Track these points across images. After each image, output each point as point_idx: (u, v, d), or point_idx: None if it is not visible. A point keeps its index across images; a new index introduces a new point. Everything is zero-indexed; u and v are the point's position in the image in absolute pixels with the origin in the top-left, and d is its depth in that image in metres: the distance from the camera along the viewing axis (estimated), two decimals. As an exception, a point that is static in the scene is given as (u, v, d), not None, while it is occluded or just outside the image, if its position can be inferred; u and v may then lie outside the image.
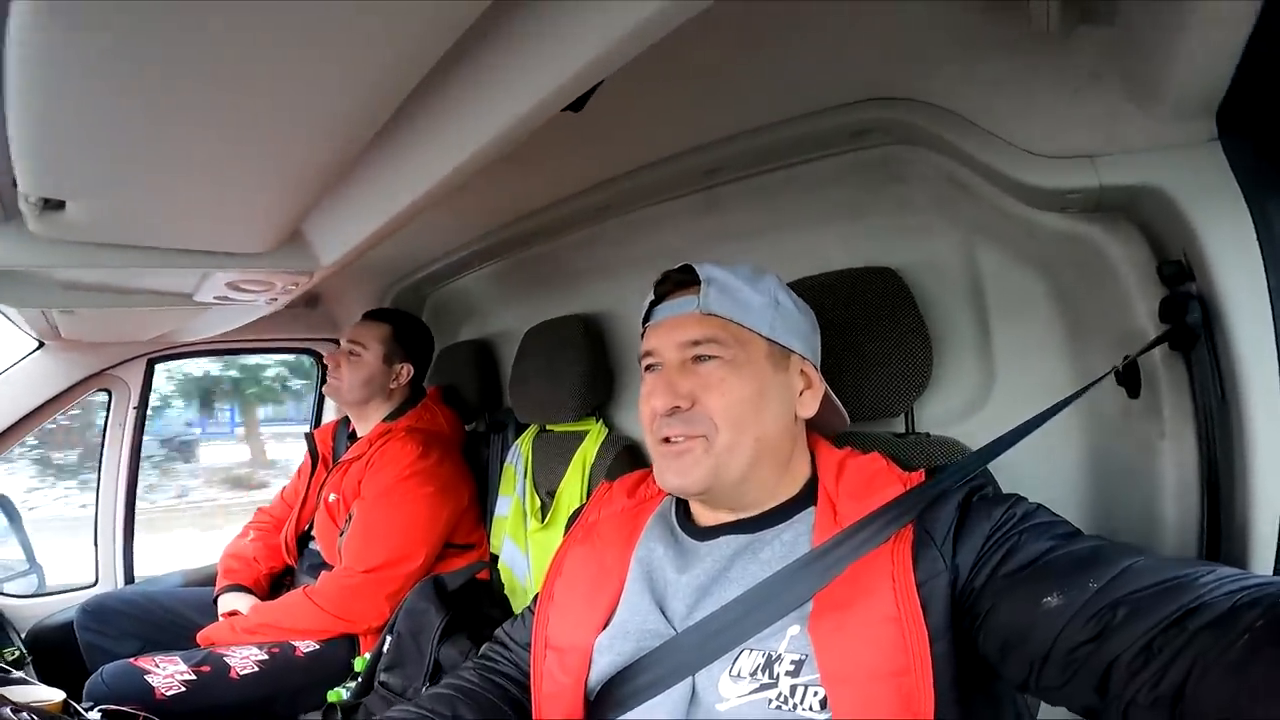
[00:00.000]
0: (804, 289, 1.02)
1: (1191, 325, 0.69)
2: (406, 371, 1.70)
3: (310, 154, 0.62)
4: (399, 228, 0.80)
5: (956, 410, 1.04)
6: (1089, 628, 0.52)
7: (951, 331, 1.03)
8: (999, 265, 1.00)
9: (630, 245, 1.44)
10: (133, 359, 1.86)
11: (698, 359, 0.76)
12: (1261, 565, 0.67)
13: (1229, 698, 0.43)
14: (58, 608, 1.80)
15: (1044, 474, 0.89)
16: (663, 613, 0.75)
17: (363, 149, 0.64)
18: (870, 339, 0.96)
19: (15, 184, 0.61)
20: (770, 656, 0.66)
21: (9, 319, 1.44)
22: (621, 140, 1.06)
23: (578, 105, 0.64)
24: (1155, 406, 0.81)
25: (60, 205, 0.63)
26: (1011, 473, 0.81)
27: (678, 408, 0.74)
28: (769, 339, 0.77)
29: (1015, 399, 0.98)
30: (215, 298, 1.00)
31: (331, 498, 1.62)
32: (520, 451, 1.66)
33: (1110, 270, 0.81)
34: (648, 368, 0.80)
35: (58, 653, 1.61)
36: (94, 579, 1.94)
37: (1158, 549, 0.80)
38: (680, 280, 0.80)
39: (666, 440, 0.75)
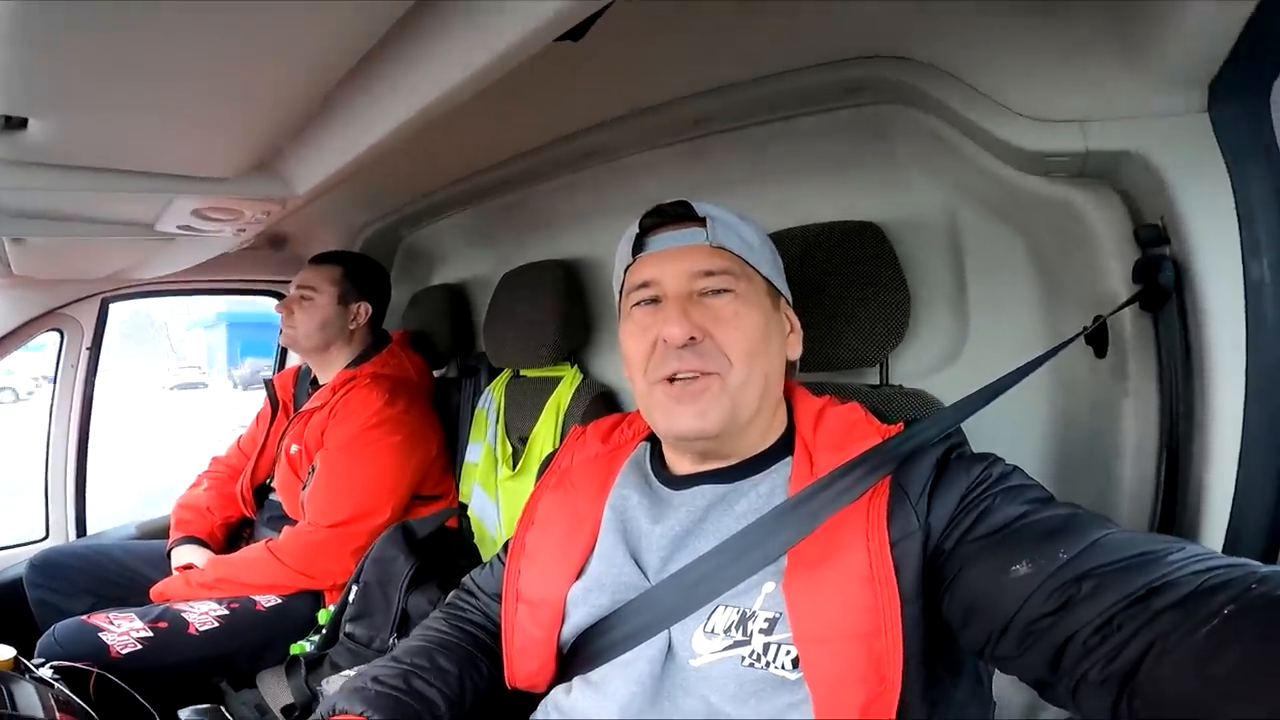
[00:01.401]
0: (787, 240, 1.04)
1: (1164, 285, 0.71)
2: (364, 310, 1.63)
3: (290, 75, 0.59)
4: (379, 156, 0.77)
5: (930, 363, 1.06)
6: (1053, 600, 0.51)
7: (929, 287, 1.05)
8: (979, 224, 1.01)
9: (612, 193, 1.42)
10: (86, 298, 1.78)
11: (706, 293, 0.73)
12: (1216, 526, 0.69)
13: (1192, 689, 0.42)
14: (6, 563, 1.74)
15: (1008, 428, 0.91)
16: (637, 565, 0.74)
17: (347, 72, 0.61)
18: (850, 290, 0.98)
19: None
20: (745, 613, 0.66)
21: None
22: (611, 85, 1.03)
23: (577, 34, 0.61)
24: (1121, 366, 0.83)
25: (22, 124, 0.59)
26: (977, 426, 0.82)
27: (693, 339, 0.70)
28: (766, 278, 0.76)
29: (988, 354, 1.00)
30: (179, 227, 0.96)
31: (293, 449, 1.57)
32: (493, 396, 1.65)
33: (1088, 234, 0.83)
34: (641, 301, 0.76)
35: (6, 610, 1.56)
36: (44, 533, 1.88)
37: (1115, 505, 0.83)
38: (675, 214, 0.76)
39: (672, 380, 0.72)
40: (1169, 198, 0.69)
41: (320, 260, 1.64)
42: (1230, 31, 0.58)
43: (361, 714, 0.71)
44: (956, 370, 1.03)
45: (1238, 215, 0.66)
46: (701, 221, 0.75)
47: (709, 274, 0.73)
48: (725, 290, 0.73)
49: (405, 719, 0.72)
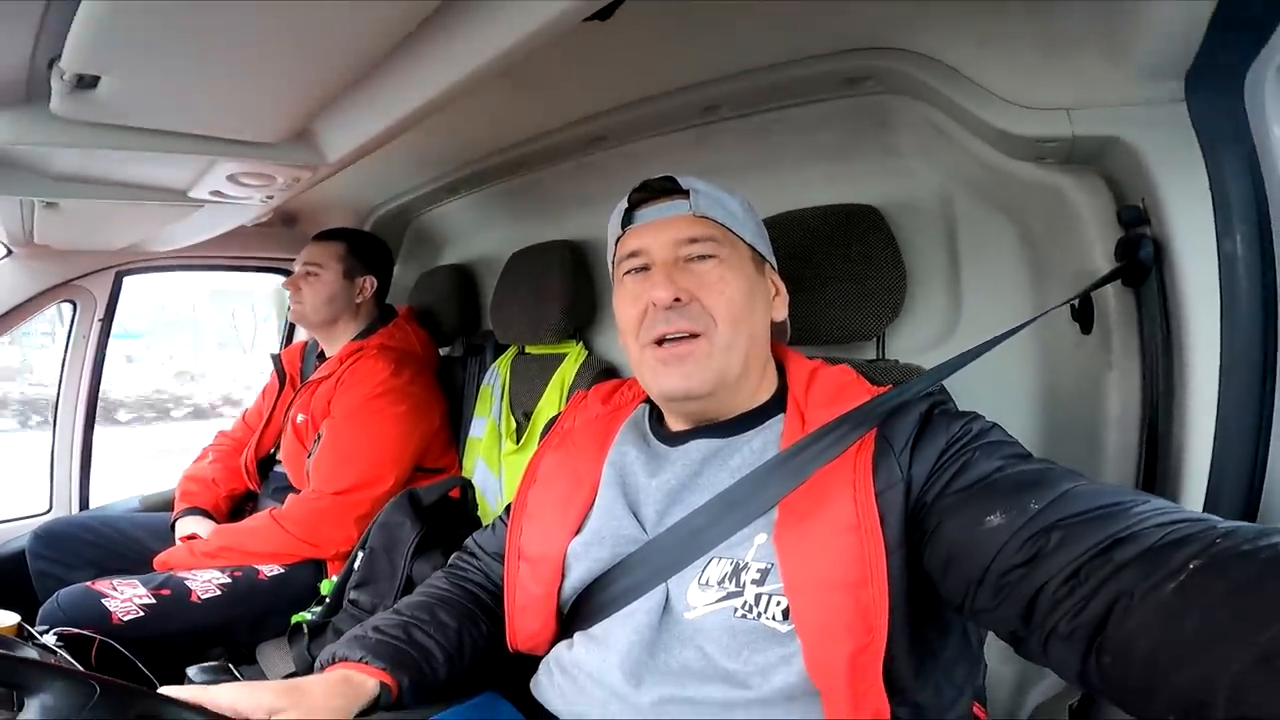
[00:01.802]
0: (790, 221, 1.09)
1: (1143, 261, 0.76)
2: (370, 284, 1.66)
3: (335, 46, 0.63)
4: (406, 129, 0.82)
5: (926, 340, 1.11)
6: (1024, 551, 0.52)
7: (925, 268, 1.10)
8: (973, 209, 1.07)
9: (619, 177, 1.43)
10: (101, 270, 1.79)
11: (691, 259, 0.77)
12: (1194, 490, 0.72)
13: (1159, 645, 0.42)
14: (9, 536, 1.72)
15: (999, 401, 0.94)
16: (635, 517, 0.76)
17: (390, 47, 0.65)
18: (849, 267, 1.03)
19: (50, 64, 0.62)
20: (738, 564, 0.67)
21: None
22: (620, 72, 1.07)
23: (605, 13, 0.65)
24: (1105, 341, 0.87)
25: (93, 83, 0.63)
26: (968, 398, 0.86)
27: (678, 300, 0.74)
28: (750, 245, 0.80)
29: (980, 332, 1.01)
30: (210, 193, 0.99)
31: (299, 418, 1.58)
32: (498, 372, 1.69)
33: (1075, 218, 0.88)
34: (631, 270, 0.80)
35: (9, 582, 1.55)
36: (48, 505, 1.87)
37: (1099, 474, 0.87)
38: (662, 188, 0.80)
39: (661, 342, 0.75)
40: (1149, 180, 0.74)
41: (324, 237, 1.67)
42: (1198, 26, 0.62)
43: (360, 659, 0.72)
44: (951, 347, 1.08)
45: (1212, 196, 0.71)
46: (686, 194, 0.79)
47: (693, 241, 0.77)
48: (709, 256, 0.77)
49: (403, 665, 0.73)
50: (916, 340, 1.11)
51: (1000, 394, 0.98)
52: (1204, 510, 0.71)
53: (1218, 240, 0.71)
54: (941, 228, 1.10)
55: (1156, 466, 0.80)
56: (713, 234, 0.77)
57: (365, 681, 0.71)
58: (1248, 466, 0.71)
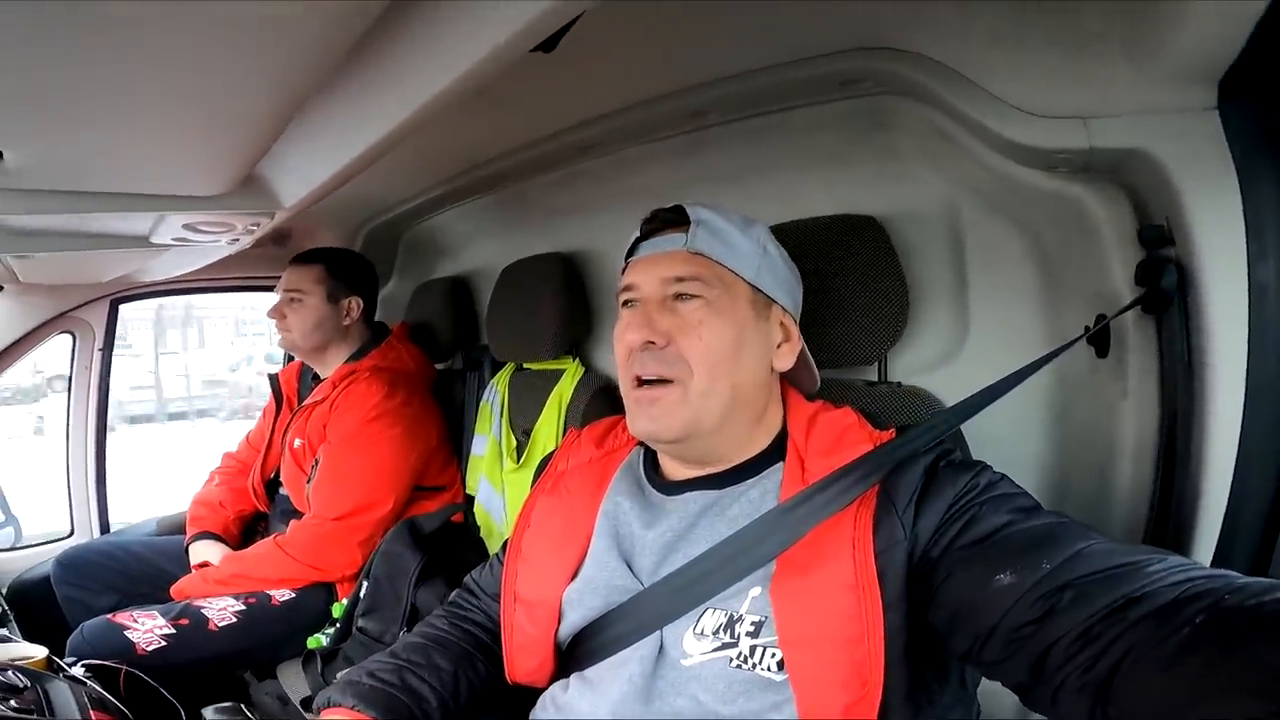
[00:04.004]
0: (785, 234, 1.01)
1: (1166, 289, 0.69)
2: (356, 305, 1.64)
3: (262, 95, 0.58)
4: (363, 168, 0.77)
5: (929, 360, 1.04)
6: (1036, 608, 0.52)
7: (928, 282, 1.03)
8: (980, 218, 0.99)
9: (612, 184, 1.41)
10: (96, 300, 1.81)
11: (679, 297, 0.74)
12: (1208, 532, 0.68)
13: (1158, 694, 0.43)
14: (36, 560, 1.80)
15: (1007, 427, 0.90)
16: (630, 568, 0.75)
17: (319, 90, 0.60)
18: (848, 286, 0.96)
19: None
20: (732, 616, 0.68)
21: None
22: (604, 81, 1.02)
23: (549, 45, 0.61)
24: (1121, 367, 0.82)
25: (-1, 155, 0.59)
26: (975, 425, 0.81)
27: (652, 343, 0.73)
28: (753, 285, 0.75)
29: (988, 352, 0.98)
30: (173, 239, 0.97)
31: (296, 443, 1.60)
32: (496, 389, 1.66)
33: (1091, 231, 0.81)
34: (625, 303, 0.79)
35: (38, 606, 1.60)
36: (70, 529, 1.93)
37: (1111, 510, 0.83)
38: (670, 219, 0.78)
39: (639, 382, 0.74)
40: (1174, 197, 0.67)
41: (301, 259, 1.64)
42: (1241, 30, 0.56)
43: (352, 707, 0.73)
44: (958, 366, 1.02)
45: (1245, 217, 0.64)
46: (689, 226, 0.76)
47: (680, 279, 0.74)
48: (694, 296, 0.74)
49: (395, 713, 0.75)
50: (920, 359, 1.04)
51: (1009, 420, 0.91)
52: (1215, 553, 0.68)
53: (1249, 266, 0.64)
54: (947, 238, 1.02)
55: (1170, 504, 0.74)
56: (700, 273, 0.74)
57: None
58: (1266, 510, 0.66)
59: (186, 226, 0.88)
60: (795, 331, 0.80)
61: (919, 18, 0.79)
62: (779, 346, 0.78)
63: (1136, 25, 0.64)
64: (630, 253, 0.81)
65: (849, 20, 0.83)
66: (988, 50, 0.76)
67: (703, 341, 0.72)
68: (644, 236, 0.80)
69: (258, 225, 0.91)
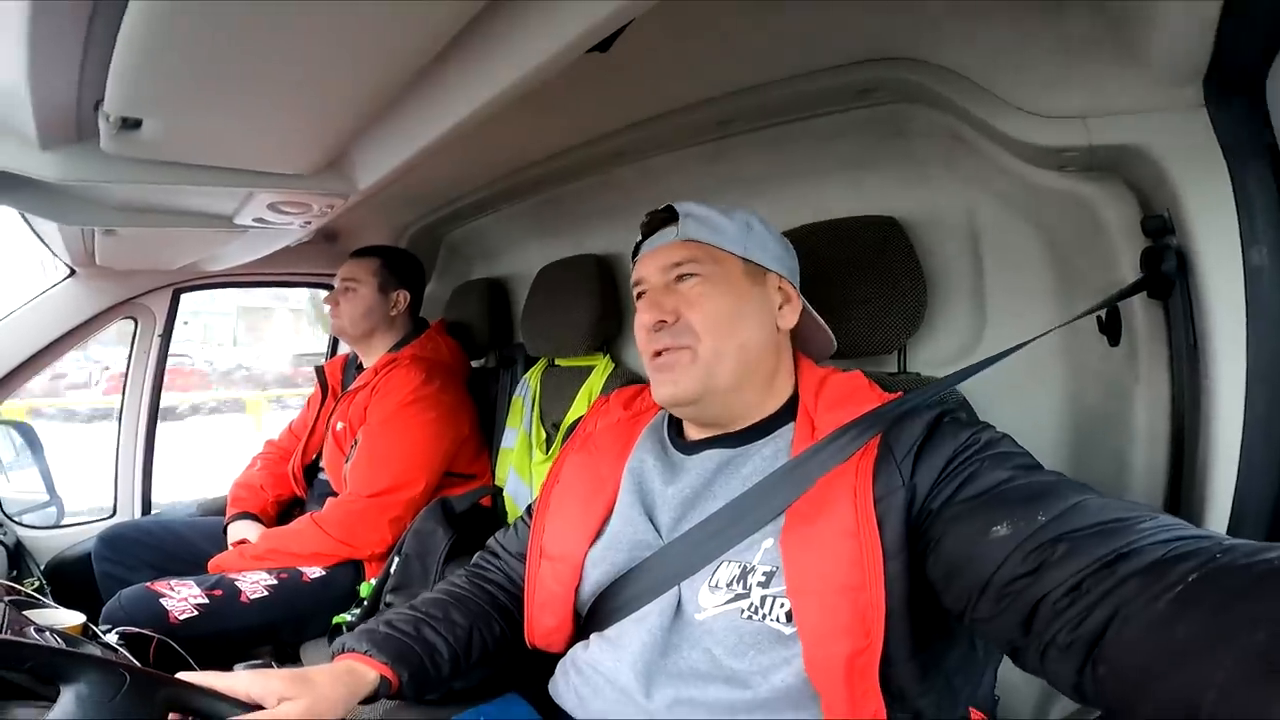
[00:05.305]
0: (807, 234, 1.09)
1: (1167, 273, 0.74)
2: (403, 298, 1.75)
3: (363, 81, 0.67)
4: (428, 156, 0.84)
5: (949, 353, 1.10)
6: (1029, 561, 0.53)
7: (948, 279, 1.09)
8: (996, 218, 1.05)
9: (641, 191, 1.49)
10: (159, 288, 1.91)
11: (680, 279, 0.82)
12: (1220, 510, 0.71)
13: (1148, 652, 0.43)
14: (77, 539, 1.85)
15: (1023, 414, 0.93)
16: (652, 523, 0.80)
17: (415, 77, 0.68)
18: (867, 279, 1.02)
19: (96, 106, 0.67)
20: (745, 568, 0.70)
21: (47, 246, 1.51)
22: (640, 89, 1.10)
23: (605, 45, 0.68)
24: (1133, 354, 0.86)
25: (136, 125, 0.68)
26: (991, 411, 0.86)
27: (663, 322, 0.80)
28: (743, 258, 0.83)
29: (1004, 344, 0.99)
30: (254, 220, 1.06)
31: (339, 426, 1.67)
32: (529, 384, 1.73)
33: (1101, 227, 0.86)
34: (638, 295, 0.86)
35: (76, 583, 1.66)
36: (112, 509, 1.99)
37: (1128, 491, 0.85)
38: (663, 218, 0.86)
39: (657, 355, 0.81)
40: (1172, 189, 0.73)
41: (360, 254, 1.76)
42: (1206, 29, 0.61)
43: (365, 653, 0.77)
44: (975, 359, 1.03)
45: (1236, 205, 0.69)
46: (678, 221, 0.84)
47: (677, 264, 0.82)
48: (692, 275, 0.82)
49: (404, 660, 0.78)
50: (939, 353, 1.10)
51: (1025, 409, 0.96)
52: (1229, 525, 0.70)
53: (1243, 250, 0.69)
54: (965, 238, 1.08)
55: (1182, 481, 0.78)
56: (695, 255, 0.82)
57: (367, 673, 0.76)
58: (1274, 485, 0.69)
59: (270, 206, 0.98)
60: (794, 293, 0.86)
61: (929, 29, 0.86)
62: (780, 308, 0.85)
63: (1120, 30, 0.71)
64: (635, 253, 0.89)
65: (862, 31, 0.90)
66: (992, 57, 0.83)
67: (704, 311, 0.80)
68: (644, 237, 0.89)
69: (332, 207, 1.00)
